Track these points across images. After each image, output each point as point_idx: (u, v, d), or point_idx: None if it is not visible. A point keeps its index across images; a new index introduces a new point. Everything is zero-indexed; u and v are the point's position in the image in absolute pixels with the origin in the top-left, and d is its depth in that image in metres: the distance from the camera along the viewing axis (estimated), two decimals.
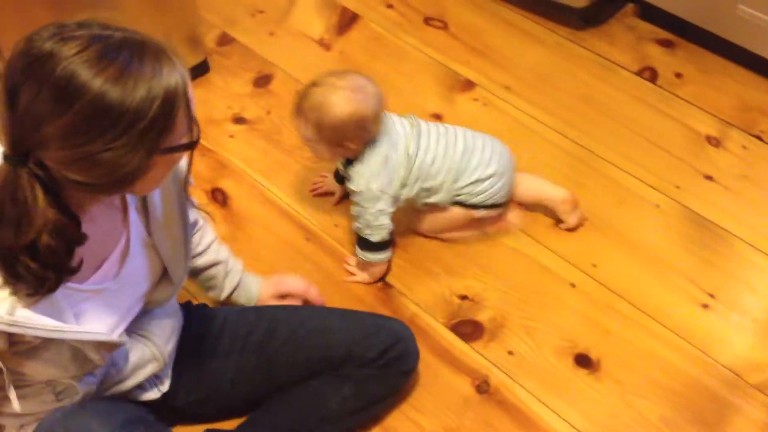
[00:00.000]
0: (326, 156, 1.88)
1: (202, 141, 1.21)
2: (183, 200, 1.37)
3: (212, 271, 1.69)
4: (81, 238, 1.13)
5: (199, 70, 2.38)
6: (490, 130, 1.99)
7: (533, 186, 2.04)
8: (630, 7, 2.60)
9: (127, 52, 1.02)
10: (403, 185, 1.87)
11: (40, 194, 1.05)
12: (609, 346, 1.82)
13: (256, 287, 1.76)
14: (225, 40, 2.53)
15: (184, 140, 1.12)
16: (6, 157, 1.05)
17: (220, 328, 1.59)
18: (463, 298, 1.92)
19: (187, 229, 1.40)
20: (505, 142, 1.99)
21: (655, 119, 2.29)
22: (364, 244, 1.89)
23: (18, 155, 1.04)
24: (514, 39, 2.54)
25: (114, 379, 1.37)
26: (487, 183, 1.91)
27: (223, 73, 2.42)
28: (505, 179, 1.94)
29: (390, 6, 2.64)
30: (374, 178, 1.83)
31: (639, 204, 2.10)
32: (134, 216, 1.32)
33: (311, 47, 2.52)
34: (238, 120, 2.30)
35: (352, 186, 1.86)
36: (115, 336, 1.29)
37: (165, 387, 1.48)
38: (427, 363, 1.78)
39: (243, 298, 1.74)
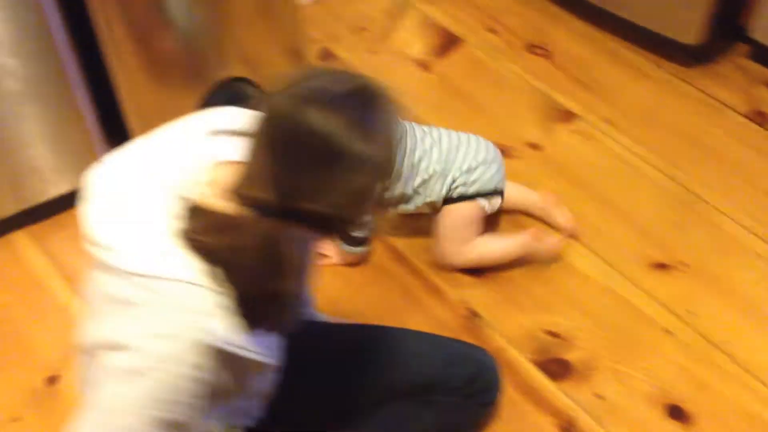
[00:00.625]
0: None
1: None
2: None
3: None
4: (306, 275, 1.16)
5: None
6: (589, 164, 1.94)
7: (513, 192, 2.04)
8: (742, 47, 2.50)
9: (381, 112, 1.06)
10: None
11: (291, 242, 1.06)
12: (705, 401, 1.73)
13: None
14: (326, 55, 2.53)
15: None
16: (270, 209, 1.03)
17: (303, 343, 1.57)
18: (553, 334, 1.86)
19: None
20: (604, 177, 1.94)
21: (763, 165, 2.20)
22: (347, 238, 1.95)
23: (283, 208, 1.03)
24: (620, 72, 2.47)
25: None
26: (479, 171, 1.91)
27: None
28: (496, 165, 1.95)
29: (493, 31, 2.61)
30: None
31: (742, 252, 2.01)
32: None
33: (410, 68, 2.50)
34: None
35: None
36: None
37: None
38: (511, 399, 1.72)
39: None
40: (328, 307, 1.74)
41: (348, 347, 1.57)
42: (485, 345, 1.82)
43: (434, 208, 1.94)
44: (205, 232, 1.05)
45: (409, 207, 1.93)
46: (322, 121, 1.00)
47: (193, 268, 1.06)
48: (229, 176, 1.06)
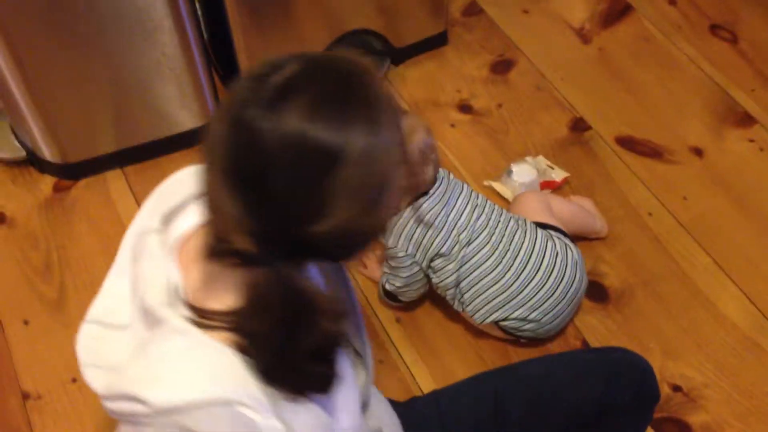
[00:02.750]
0: None
1: None
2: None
3: None
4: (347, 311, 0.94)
5: (436, 42, 2.11)
6: (759, 183, 1.60)
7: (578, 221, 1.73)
8: None
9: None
10: (434, 268, 1.55)
11: (309, 283, 0.85)
12: None
13: None
14: (472, 10, 2.23)
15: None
16: (256, 257, 0.82)
17: (439, 424, 1.31)
18: (677, 389, 1.57)
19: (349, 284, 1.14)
20: None
21: None
22: (387, 295, 1.66)
23: (273, 250, 0.82)
24: None
25: None
26: (535, 325, 1.55)
27: (460, 49, 2.14)
28: (565, 315, 1.58)
29: (672, 2, 2.23)
30: (405, 236, 1.53)
31: None
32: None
33: (567, 36, 2.17)
34: (464, 108, 2.02)
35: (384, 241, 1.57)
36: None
37: None
38: None
39: None
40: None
41: (485, 407, 1.30)
42: None
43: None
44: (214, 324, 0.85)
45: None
46: (292, 122, 0.77)
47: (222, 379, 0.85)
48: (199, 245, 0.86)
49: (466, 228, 1.52)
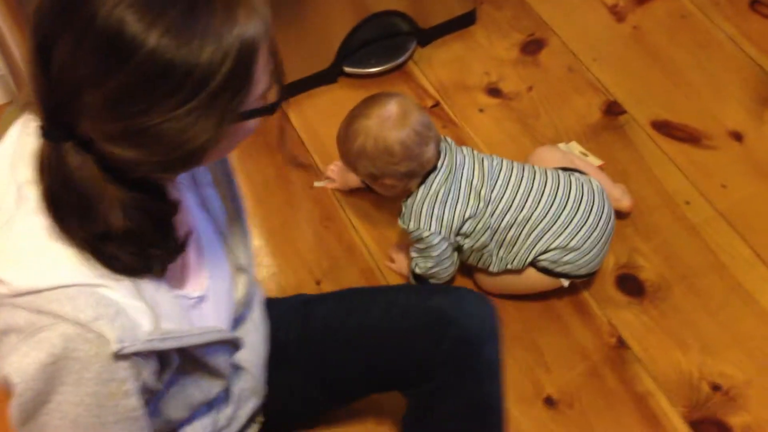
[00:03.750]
0: (380, 191, 1.59)
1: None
2: (226, 164, 1.12)
3: None
4: (170, 208, 0.90)
5: (464, 21, 2.04)
6: None
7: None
8: None
9: None
10: (464, 233, 1.53)
11: (95, 171, 0.82)
12: None
13: None
14: None
15: (262, 102, 0.87)
16: (44, 132, 0.82)
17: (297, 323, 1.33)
18: (716, 388, 1.52)
19: (239, 199, 1.14)
20: None
21: None
22: (418, 280, 1.61)
23: (57, 128, 0.81)
24: None
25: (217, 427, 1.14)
26: (576, 254, 1.52)
27: (489, 29, 2.06)
28: (600, 247, 1.54)
29: None
30: (426, 215, 1.51)
31: None
32: (187, 192, 1.06)
33: (600, 14, 2.08)
34: (493, 91, 1.95)
35: (400, 223, 1.57)
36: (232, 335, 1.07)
37: (261, 418, 1.26)
38: None
39: None
40: None
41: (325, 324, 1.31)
42: (630, 384, 1.52)
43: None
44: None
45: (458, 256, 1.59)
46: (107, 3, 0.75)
47: (63, 261, 0.85)
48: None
49: (483, 183, 1.51)
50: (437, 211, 1.50)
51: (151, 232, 0.88)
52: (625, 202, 1.69)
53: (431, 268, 1.55)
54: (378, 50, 1.97)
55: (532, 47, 2.02)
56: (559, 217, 1.51)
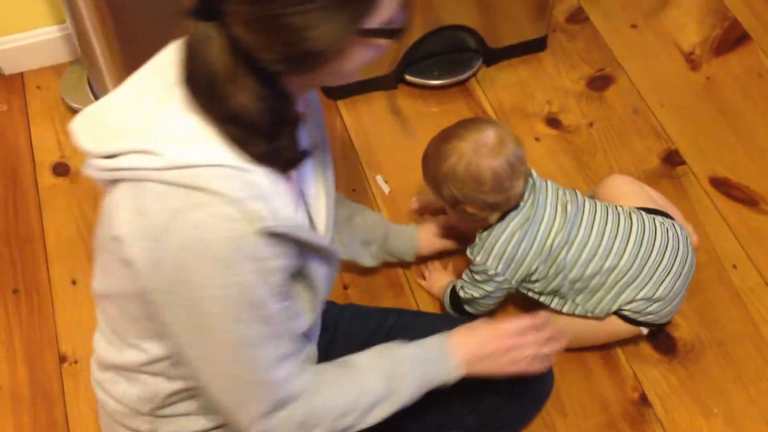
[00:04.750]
0: (457, 218, 1.52)
1: None
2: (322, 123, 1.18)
3: (357, 220, 1.54)
4: (295, 114, 0.95)
5: (534, 46, 2.00)
6: None
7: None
8: None
9: None
10: (535, 279, 1.47)
11: (228, 52, 0.87)
12: None
13: (412, 230, 1.62)
14: (577, 17, 2.10)
15: (389, 26, 0.88)
16: (193, 11, 0.87)
17: (331, 336, 1.31)
18: None
19: (325, 129, 1.18)
20: None
21: None
22: (455, 302, 1.56)
23: (204, 7, 0.86)
24: None
25: None
26: (661, 305, 1.46)
27: (558, 58, 2.02)
28: (681, 296, 1.50)
29: None
30: (495, 255, 1.44)
31: None
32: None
33: (674, 59, 2.02)
34: (552, 121, 1.91)
35: (468, 252, 1.50)
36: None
37: None
38: None
39: (401, 243, 1.61)
40: None
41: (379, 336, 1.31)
42: None
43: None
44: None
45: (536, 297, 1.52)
46: None
47: (210, 144, 0.89)
48: None
49: (561, 230, 1.43)
50: (509, 254, 1.43)
51: (277, 128, 0.92)
52: (693, 240, 1.61)
53: (476, 298, 1.50)
54: (442, 63, 1.94)
55: (600, 83, 1.98)
56: (644, 267, 1.44)
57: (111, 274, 0.97)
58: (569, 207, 1.45)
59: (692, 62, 2.02)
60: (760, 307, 1.63)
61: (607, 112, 1.92)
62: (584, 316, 1.49)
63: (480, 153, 1.37)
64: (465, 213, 1.44)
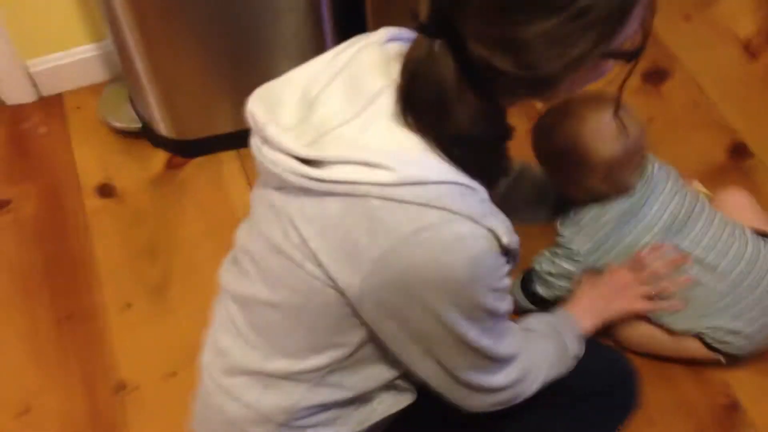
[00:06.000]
0: (563, 187, 1.42)
1: None
2: None
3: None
4: (509, 130, 0.94)
5: None
6: None
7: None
8: None
9: None
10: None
11: (458, 72, 0.83)
12: None
13: None
14: None
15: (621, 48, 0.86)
16: (422, 26, 0.85)
17: None
18: None
19: None
20: None
21: None
22: (527, 285, 1.45)
23: (437, 24, 0.83)
24: None
25: None
26: (743, 336, 1.37)
27: None
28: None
29: None
30: (585, 234, 1.37)
31: None
32: None
33: (732, 50, 1.96)
34: None
35: (558, 223, 1.42)
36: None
37: None
38: None
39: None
40: None
41: None
42: None
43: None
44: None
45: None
46: None
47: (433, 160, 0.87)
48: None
49: (658, 234, 1.34)
50: (598, 239, 1.36)
51: (491, 146, 0.92)
52: None
53: (551, 275, 1.42)
54: None
55: (656, 77, 1.91)
56: (743, 298, 1.35)
57: (295, 286, 0.93)
58: (681, 213, 1.36)
59: (750, 51, 1.95)
60: None
61: (666, 106, 1.85)
62: (662, 327, 1.42)
63: (597, 137, 1.29)
64: (569, 188, 1.38)
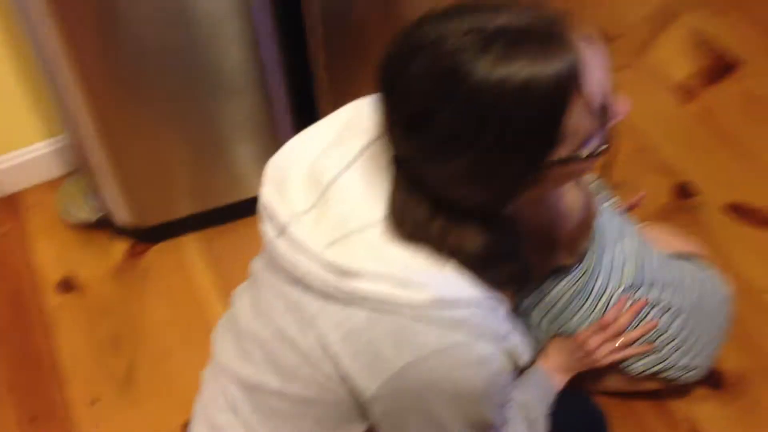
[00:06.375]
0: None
1: None
2: None
3: None
4: (515, 238, 0.91)
5: None
6: None
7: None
8: None
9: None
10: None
11: (439, 209, 0.85)
12: None
13: None
14: None
15: (584, 151, 0.81)
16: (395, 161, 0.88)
17: None
18: None
19: None
20: None
21: None
22: None
23: (397, 164, 0.87)
24: None
25: None
26: (692, 371, 1.40)
27: None
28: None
29: None
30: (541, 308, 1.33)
31: None
32: None
33: (667, 93, 2.02)
34: None
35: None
36: None
37: None
38: None
39: None
40: None
41: None
42: None
43: None
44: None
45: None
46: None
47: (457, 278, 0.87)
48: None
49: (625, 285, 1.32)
50: (553, 312, 1.32)
51: (508, 256, 0.89)
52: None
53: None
54: None
55: None
56: (693, 335, 1.37)
57: (308, 381, 0.93)
58: (633, 261, 1.34)
59: (686, 94, 2.01)
60: None
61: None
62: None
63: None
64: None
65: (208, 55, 1.55)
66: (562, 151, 0.79)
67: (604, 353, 1.34)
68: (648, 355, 1.37)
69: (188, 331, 1.69)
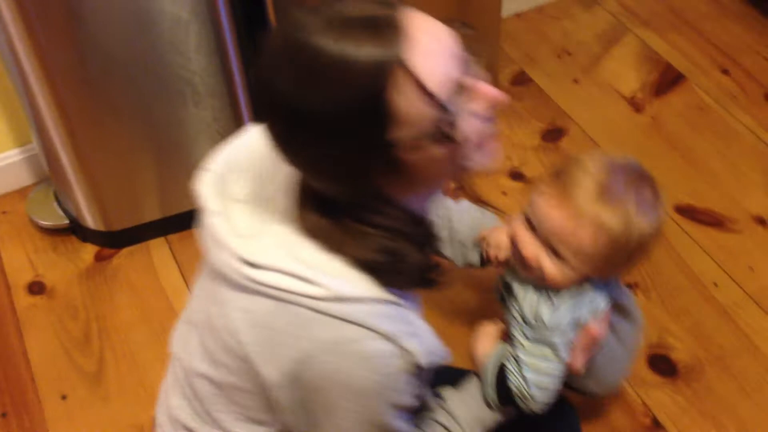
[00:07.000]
0: (568, 279, 1.15)
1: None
2: None
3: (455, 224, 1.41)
4: (428, 238, 0.97)
5: None
6: None
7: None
8: None
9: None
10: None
11: (326, 206, 0.91)
12: None
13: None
14: (521, 79, 2.20)
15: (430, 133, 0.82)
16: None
17: None
18: None
19: None
20: None
21: None
22: (502, 388, 1.17)
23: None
24: None
25: None
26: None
27: (510, 118, 2.10)
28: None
29: (726, 72, 2.18)
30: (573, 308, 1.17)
31: None
32: None
33: (619, 105, 2.12)
34: (516, 175, 1.97)
35: (544, 316, 1.15)
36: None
37: None
38: None
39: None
40: None
41: None
42: None
43: None
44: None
45: None
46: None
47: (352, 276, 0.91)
48: None
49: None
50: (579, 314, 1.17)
51: (412, 257, 0.92)
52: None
53: (542, 387, 1.15)
54: None
55: (553, 135, 2.05)
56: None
57: (226, 368, 0.98)
58: None
59: (636, 105, 2.11)
60: (748, 319, 1.67)
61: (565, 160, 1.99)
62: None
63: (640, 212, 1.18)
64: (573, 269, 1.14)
65: (172, 62, 1.60)
66: (400, 133, 0.81)
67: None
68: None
69: (156, 329, 1.72)
